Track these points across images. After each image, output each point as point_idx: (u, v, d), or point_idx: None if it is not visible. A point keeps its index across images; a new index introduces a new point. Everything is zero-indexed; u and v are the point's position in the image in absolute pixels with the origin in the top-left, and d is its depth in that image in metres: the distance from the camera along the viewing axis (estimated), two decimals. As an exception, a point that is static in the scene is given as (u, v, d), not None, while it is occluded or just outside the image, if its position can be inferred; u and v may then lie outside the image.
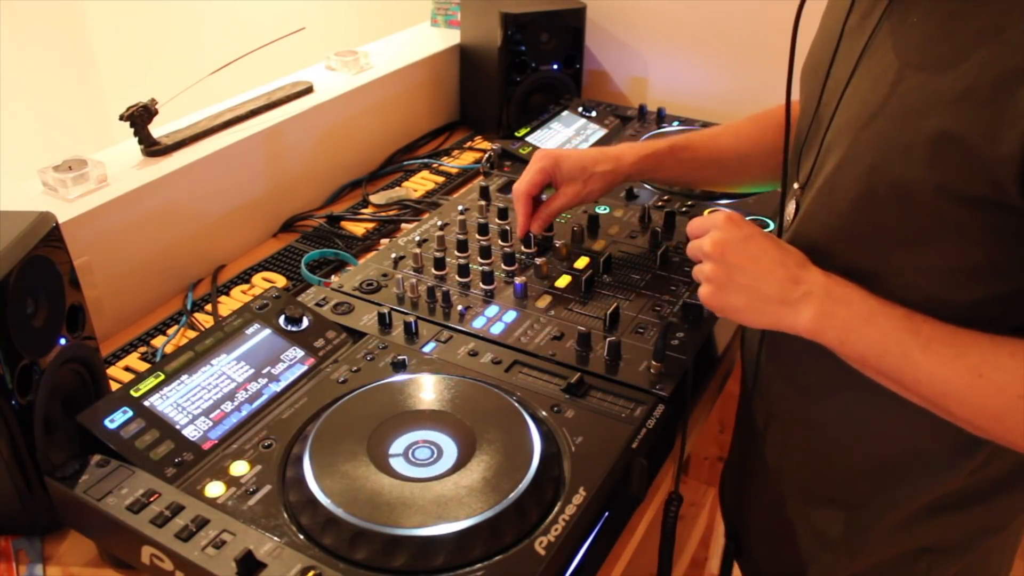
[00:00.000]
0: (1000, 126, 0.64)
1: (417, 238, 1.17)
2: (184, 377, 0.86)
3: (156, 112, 1.20)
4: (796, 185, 0.87)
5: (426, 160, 1.60)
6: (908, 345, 0.71)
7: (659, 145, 1.09)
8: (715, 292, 0.81)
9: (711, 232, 0.82)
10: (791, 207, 0.87)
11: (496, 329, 0.98)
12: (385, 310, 0.98)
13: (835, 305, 0.75)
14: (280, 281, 1.25)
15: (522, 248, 1.13)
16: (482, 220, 1.18)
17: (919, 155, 0.69)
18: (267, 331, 0.94)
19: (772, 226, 1.20)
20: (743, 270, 0.79)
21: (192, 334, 1.15)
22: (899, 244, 0.74)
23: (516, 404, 0.84)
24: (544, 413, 0.85)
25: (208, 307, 1.20)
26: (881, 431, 0.84)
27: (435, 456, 0.79)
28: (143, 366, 1.09)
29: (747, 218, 0.84)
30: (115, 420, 0.80)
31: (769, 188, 1.16)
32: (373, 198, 1.45)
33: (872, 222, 0.75)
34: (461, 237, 1.13)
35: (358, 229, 1.37)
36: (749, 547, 1.07)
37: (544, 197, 1.12)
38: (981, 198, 0.67)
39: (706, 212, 1.24)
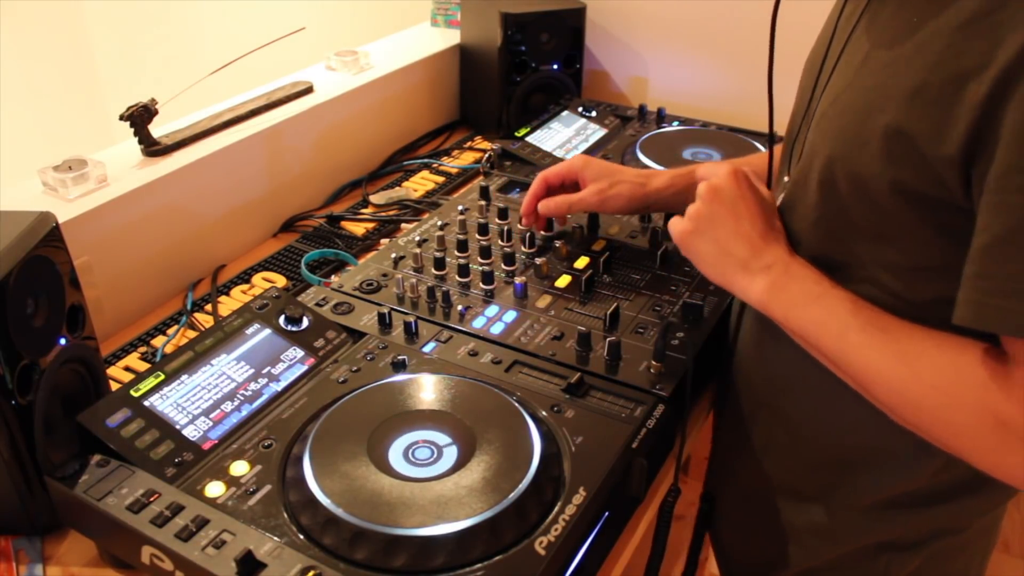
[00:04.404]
0: (946, 125, 0.64)
1: (417, 238, 1.17)
2: (184, 377, 0.86)
3: (156, 112, 1.20)
4: (786, 178, 0.87)
5: (426, 160, 1.60)
6: (847, 325, 0.72)
7: (687, 168, 1.09)
8: (690, 233, 0.84)
9: (713, 178, 0.84)
10: (779, 199, 0.88)
11: (496, 329, 0.98)
12: (385, 310, 0.98)
13: (789, 280, 0.77)
14: (280, 281, 1.25)
15: (522, 248, 1.13)
16: (482, 220, 1.18)
17: (874, 150, 0.70)
18: (267, 331, 0.94)
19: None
20: (723, 223, 0.81)
21: (192, 334, 1.15)
22: (861, 238, 0.75)
23: (516, 404, 0.84)
24: (544, 413, 0.85)
25: (208, 307, 1.20)
26: (846, 425, 0.84)
27: (435, 456, 0.79)
28: (143, 366, 1.09)
29: None
30: (115, 420, 0.80)
31: None
32: (373, 198, 1.45)
33: (836, 214, 0.76)
34: (461, 237, 1.13)
35: (358, 229, 1.37)
36: (722, 540, 1.07)
37: None
38: (931, 196, 0.68)
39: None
